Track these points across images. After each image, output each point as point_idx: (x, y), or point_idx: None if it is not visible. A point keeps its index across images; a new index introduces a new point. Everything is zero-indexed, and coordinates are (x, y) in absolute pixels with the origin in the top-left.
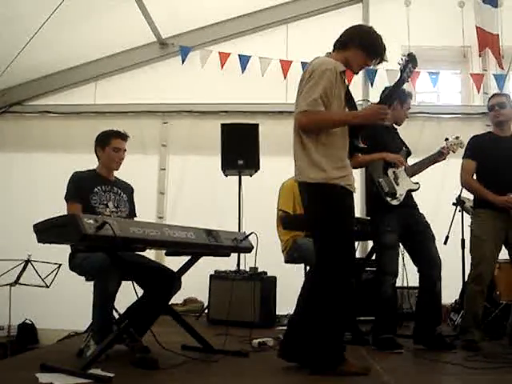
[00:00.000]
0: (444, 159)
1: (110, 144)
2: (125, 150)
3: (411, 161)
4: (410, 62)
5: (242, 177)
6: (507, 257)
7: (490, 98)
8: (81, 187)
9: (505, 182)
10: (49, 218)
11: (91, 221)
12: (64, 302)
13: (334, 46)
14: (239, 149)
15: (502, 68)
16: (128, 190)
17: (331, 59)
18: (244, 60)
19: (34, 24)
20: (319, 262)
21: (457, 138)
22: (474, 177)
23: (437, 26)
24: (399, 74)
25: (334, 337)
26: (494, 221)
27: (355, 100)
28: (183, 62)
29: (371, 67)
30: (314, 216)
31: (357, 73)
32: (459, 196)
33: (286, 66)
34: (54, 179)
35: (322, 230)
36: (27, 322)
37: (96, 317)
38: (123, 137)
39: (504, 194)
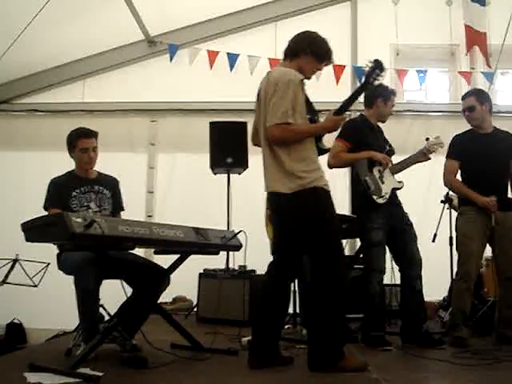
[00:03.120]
0: (427, 160)
1: (76, 146)
2: (95, 147)
3: (398, 159)
4: (377, 68)
5: (231, 175)
6: None
7: (461, 99)
8: (59, 193)
9: (488, 180)
10: (37, 216)
11: (79, 219)
12: (52, 302)
13: (285, 55)
14: (228, 147)
15: (490, 66)
16: (111, 184)
17: (290, 69)
18: (232, 58)
19: (21, 21)
20: (318, 263)
21: (437, 137)
22: (458, 176)
23: (425, 24)
24: (363, 79)
25: (336, 333)
26: (479, 218)
27: (345, 97)
28: (171, 60)
29: (359, 66)
30: (299, 224)
31: (309, 78)
32: (447, 194)
33: (274, 64)
34: (43, 178)
35: (311, 235)
36: (15, 321)
37: (79, 315)
38: (88, 135)
39: (487, 192)
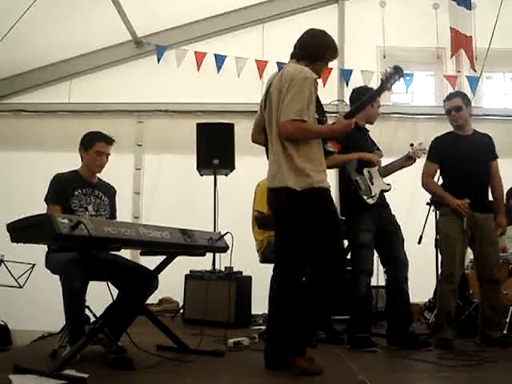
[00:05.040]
0: (411, 164)
1: (93, 147)
2: (108, 155)
3: (385, 160)
4: (397, 74)
5: (218, 176)
6: None
7: (445, 100)
8: (61, 190)
9: (468, 182)
10: (23, 217)
11: (65, 220)
12: (38, 303)
13: (302, 57)
14: (214, 148)
15: (475, 70)
16: (110, 192)
17: (305, 67)
18: (220, 60)
19: (7, 21)
20: (319, 266)
21: (420, 143)
22: (437, 178)
23: (411, 27)
24: (381, 83)
25: (308, 332)
26: (459, 219)
27: (331, 100)
28: (159, 61)
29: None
30: (304, 222)
31: (320, 78)
32: (433, 196)
33: (261, 65)
34: (29, 178)
35: (314, 234)
36: (0, 322)
37: (65, 314)
38: (108, 141)
39: (466, 194)
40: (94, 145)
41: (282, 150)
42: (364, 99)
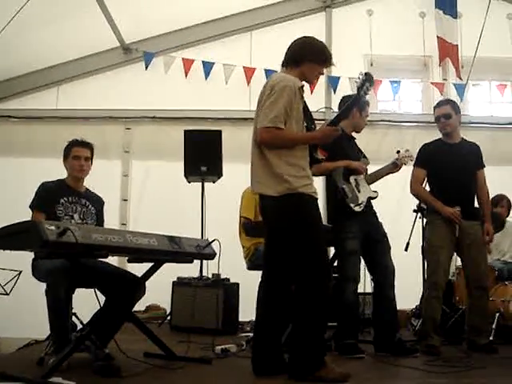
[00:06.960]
0: (397, 171)
1: (70, 153)
2: (87, 158)
3: (372, 168)
4: (367, 81)
5: (205, 183)
6: None
7: (435, 107)
8: (47, 197)
9: (454, 189)
10: (9, 223)
11: (53, 227)
12: (24, 310)
13: (287, 64)
14: (202, 155)
15: (460, 78)
16: (98, 202)
17: (290, 76)
18: (208, 66)
19: None
20: (300, 271)
21: (406, 150)
22: (426, 184)
23: (398, 35)
24: (356, 91)
25: (317, 341)
26: (446, 227)
27: (319, 107)
28: (147, 67)
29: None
30: (284, 228)
31: (312, 82)
32: (419, 203)
33: (249, 73)
34: (16, 184)
35: (296, 240)
36: None
37: (50, 322)
38: (82, 144)
39: (453, 201)
40: (71, 151)
41: (259, 154)
42: (342, 110)
